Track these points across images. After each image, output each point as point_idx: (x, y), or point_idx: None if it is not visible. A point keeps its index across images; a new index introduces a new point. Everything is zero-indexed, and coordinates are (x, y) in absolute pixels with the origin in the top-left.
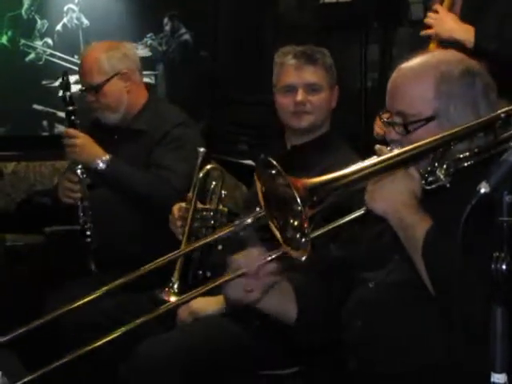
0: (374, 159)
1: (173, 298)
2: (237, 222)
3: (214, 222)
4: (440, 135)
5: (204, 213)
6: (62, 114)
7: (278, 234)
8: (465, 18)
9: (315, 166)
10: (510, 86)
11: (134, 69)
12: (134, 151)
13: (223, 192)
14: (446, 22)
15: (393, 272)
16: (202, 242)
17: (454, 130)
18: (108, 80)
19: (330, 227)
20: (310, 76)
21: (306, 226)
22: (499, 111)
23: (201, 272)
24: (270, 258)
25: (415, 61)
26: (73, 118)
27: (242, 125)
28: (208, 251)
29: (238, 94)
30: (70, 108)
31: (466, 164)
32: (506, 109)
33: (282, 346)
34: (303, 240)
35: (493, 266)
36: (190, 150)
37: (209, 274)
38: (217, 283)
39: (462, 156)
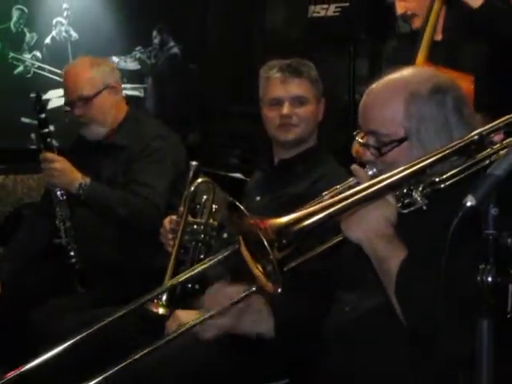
0: (345, 193)
1: (161, 310)
2: (213, 257)
3: (205, 235)
4: (414, 164)
5: (195, 226)
6: (50, 128)
7: (252, 269)
8: None
9: (303, 179)
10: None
11: (119, 83)
12: (115, 166)
13: (214, 206)
14: None
15: (367, 296)
16: (186, 275)
17: (428, 158)
18: (99, 93)
19: (307, 256)
20: (296, 89)
21: (276, 268)
22: (473, 133)
23: (189, 285)
24: (242, 296)
25: (384, 82)
26: (49, 140)
27: (231, 138)
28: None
29: (227, 107)
30: (46, 130)
31: (442, 186)
32: (480, 130)
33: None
34: (276, 276)
35: (478, 278)
36: (170, 163)
37: (197, 287)
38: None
39: (437, 179)
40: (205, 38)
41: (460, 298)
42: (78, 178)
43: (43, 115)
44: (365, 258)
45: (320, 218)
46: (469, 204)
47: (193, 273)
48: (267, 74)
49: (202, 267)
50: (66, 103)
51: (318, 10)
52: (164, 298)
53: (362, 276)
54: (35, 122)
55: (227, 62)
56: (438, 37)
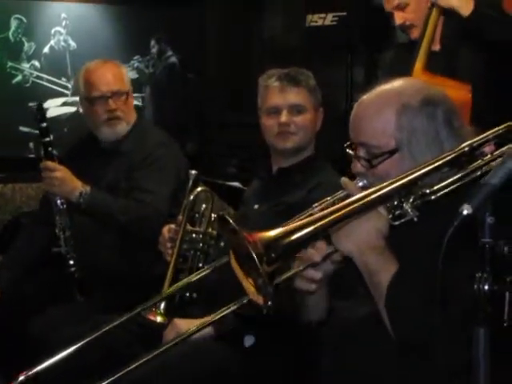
0: (335, 206)
1: (159, 319)
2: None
3: (203, 244)
4: (404, 176)
5: (193, 235)
6: (50, 137)
7: (243, 282)
8: None
9: (301, 188)
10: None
11: None
12: (117, 172)
13: (212, 215)
14: None
15: (363, 303)
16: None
17: (419, 170)
18: (130, 91)
19: (299, 270)
20: (294, 97)
21: (266, 282)
22: (463, 144)
23: (187, 294)
24: (334, 249)
25: (375, 93)
26: (50, 149)
27: (229, 147)
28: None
29: (226, 116)
30: (47, 139)
31: (433, 197)
32: (470, 142)
33: (273, 366)
34: (266, 290)
35: (475, 286)
36: (172, 170)
37: (195, 295)
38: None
39: (428, 191)
40: (203, 48)
41: (456, 308)
42: (78, 187)
43: (44, 124)
44: (355, 269)
45: (309, 232)
46: (465, 213)
47: (188, 281)
48: (266, 83)
49: (197, 277)
50: (97, 96)
51: (316, 19)
52: (162, 306)
53: (354, 286)
54: (34, 131)
55: (225, 71)
56: (436, 47)
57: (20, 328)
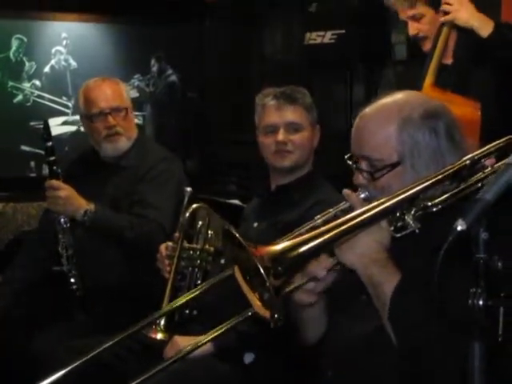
0: (339, 220)
1: (159, 336)
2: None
3: (201, 261)
4: (407, 190)
5: (191, 252)
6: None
7: (249, 296)
8: None
9: (299, 205)
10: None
11: None
12: (119, 186)
13: (209, 231)
14: (466, 8)
15: (362, 316)
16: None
17: (420, 184)
18: (129, 108)
19: (304, 282)
20: (290, 115)
21: (273, 295)
22: (465, 158)
23: (187, 311)
24: (335, 263)
25: (377, 106)
26: (55, 167)
27: (229, 165)
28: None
29: (225, 134)
30: (52, 158)
31: (435, 209)
32: (471, 155)
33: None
34: (273, 303)
35: (470, 301)
36: (174, 185)
37: (195, 313)
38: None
39: (430, 204)
40: (203, 66)
41: (452, 321)
42: (83, 206)
43: (50, 143)
44: (357, 282)
45: (316, 245)
46: (459, 228)
47: (186, 299)
48: (262, 102)
49: (194, 294)
50: (96, 113)
51: (315, 37)
52: (162, 323)
53: (355, 299)
54: (35, 150)
55: (225, 89)
56: (449, 60)
57: (21, 346)
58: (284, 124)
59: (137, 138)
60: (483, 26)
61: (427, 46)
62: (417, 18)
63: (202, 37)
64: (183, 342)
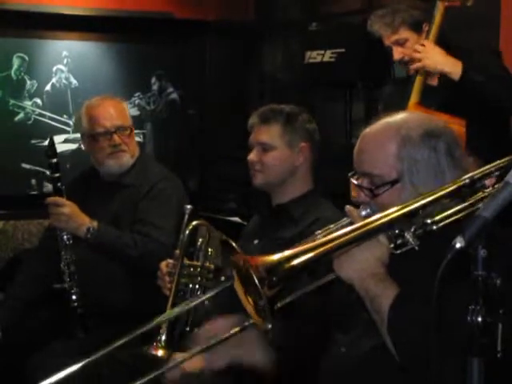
0: (337, 232)
1: (160, 352)
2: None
3: (201, 278)
4: (406, 206)
5: (191, 269)
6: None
7: (245, 304)
8: None
9: (299, 223)
10: (496, 117)
11: None
12: (120, 205)
13: (210, 249)
14: (433, 55)
15: (364, 335)
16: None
17: (419, 201)
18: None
19: (299, 293)
20: (261, 136)
21: (266, 305)
22: (465, 176)
23: (188, 329)
24: (234, 331)
25: (377, 126)
26: (59, 184)
27: (229, 182)
28: (194, 308)
29: (226, 151)
30: (56, 175)
31: (434, 227)
32: (471, 174)
33: None
34: (266, 313)
35: (468, 318)
36: (175, 204)
37: (196, 330)
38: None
39: (429, 221)
40: (203, 84)
41: (451, 337)
42: (86, 223)
43: (55, 160)
44: (357, 298)
45: (311, 257)
46: (458, 246)
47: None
48: (250, 120)
49: (191, 304)
50: (101, 132)
51: (315, 56)
52: (163, 339)
53: (356, 317)
54: (36, 167)
55: (225, 107)
56: (434, 81)
57: (20, 365)
58: (257, 144)
59: (138, 157)
60: (453, 70)
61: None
62: (401, 43)
63: (203, 55)
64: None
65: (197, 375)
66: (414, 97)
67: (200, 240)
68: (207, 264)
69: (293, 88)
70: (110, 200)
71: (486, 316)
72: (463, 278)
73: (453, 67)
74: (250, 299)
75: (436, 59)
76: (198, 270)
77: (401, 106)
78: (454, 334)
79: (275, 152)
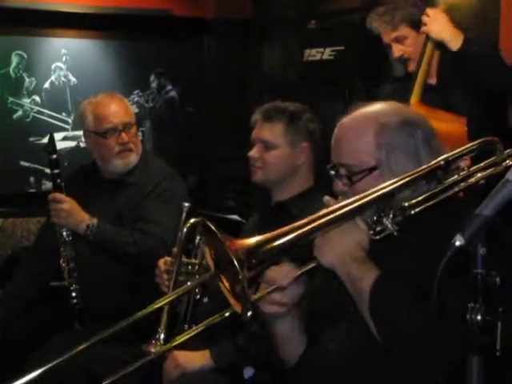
0: (315, 214)
1: (159, 350)
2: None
3: (199, 275)
4: (381, 188)
5: (189, 267)
6: (49, 171)
7: (226, 291)
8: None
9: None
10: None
11: None
12: (123, 203)
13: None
14: (437, 21)
15: (351, 330)
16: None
17: (395, 182)
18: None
19: (269, 290)
20: (264, 133)
21: (245, 288)
22: (439, 158)
23: (186, 326)
24: (300, 273)
25: (355, 114)
26: (58, 180)
27: (228, 180)
28: (193, 305)
29: (225, 149)
30: (56, 171)
31: (412, 212)
32: (445, 156)
33: None
34: (244, 297)
35: (468, 316)
36: (177, 202)
37: (194, 327)
38: (256, 297)
39: (407, 204)
40: (202, 82)
41: (449, 335)
42: (85, 219)
43: (55, 156)
44: (341, 288)
45: (290, 239)
46: (457, 244)
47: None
48: (253, 117)
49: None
50: (109, 128)
51: (314, 54)
52: (162, 336)
53: (344, 310)
54: (34, 165)
55: (224, 105)
56: (433, 80)
57: (18, 362)
58: (259, 141)
59: (141, 154)
60: (453, 40)
61: (412, 67)
62: (400, 40)
63: (202, 53)
64: (182, 357)
65: (196, 373)
66: (415, 96)
67: (198, 238)
68: (205, 262)
69: (292, 86)
70: (112, 198)
71: (486, 314)
72: (461, 276)
73: (454, 37)
74: (230, 286)
75: (439, 25)
76: (196, 267)
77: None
78: (450, 330)
79: (277, 150)
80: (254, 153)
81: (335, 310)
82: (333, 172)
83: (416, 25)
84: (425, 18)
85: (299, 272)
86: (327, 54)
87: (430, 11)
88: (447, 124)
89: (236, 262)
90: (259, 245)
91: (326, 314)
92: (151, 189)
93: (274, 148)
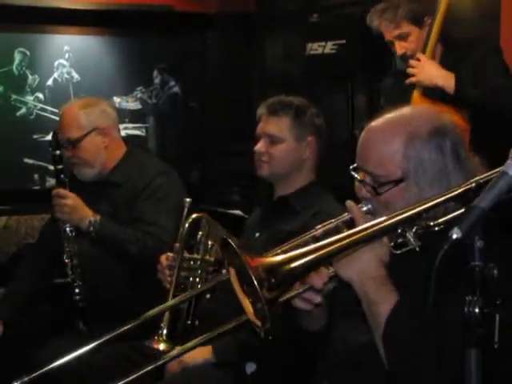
0: (338, 235)
1: (162, 346)
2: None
3: (201, 271)
4: (409, 210)
5: (191, 262)
6: (53, 168)
7: (243, 302)
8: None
9: (300, 216)
10: (490, 130)
11: (111, 125)
12: (112, 204)
13: (210, 241)
14: (427, 70)
15: (357, 329)
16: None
17: (424, 204)
18: (86, 135)
19: (302, 291)
20: (270, 127)
21: (265, 307)
22: (471, 181)
23: (189, 322)
24: (333, 274)
25: (384, 120)
26: (62, 176)
27: (231, 175)
28: (196, 301)
29: (227, 144)
30: (60, 167)
31: (436, 228)
32: (476, 178)
33: None
34: (264, 314)
35: (466, 309)
36: (173, 199)
37: (197, 323)
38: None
39: (432, 223)
40: (205, 77)
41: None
42: (88, 215)
43: (58, 152)
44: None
45: (312, 260)
46: (454, 236)
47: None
48: (258, 111)
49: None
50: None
51: (316, 48)
52: (164, 333)
53: (350, 311)
54: (38, 162)
55: (227, 100)
56: None
57: (22, 359)
58: (264, 135)
59: (124, 156)
60: (447, 84)
61: None
62: (403, 38)
63: (204, 48)
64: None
65: (198, 368)
66: (418, 90)
67: (200, 233)
68: (207, 257)
69: (294, 80)
70: (99, 199)
71: (484, 307)
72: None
73: (446, 81)
74: (248, 298)
75: (430, 73)
76: (198, 263)
77: (402, 97)
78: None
79: (283, 145)
80: (259, 147)
81: (347, 305)
82: (357, 176)
83: (417, 21)
84: (411, 69)
85: (333, 273)
86: (329, 47)
87: (413, 62)
88: (450, 117)
89: (256, 282)
90: (281, 264)
91: (339, 305)
92: (144, 186)
93: (280, 142)
